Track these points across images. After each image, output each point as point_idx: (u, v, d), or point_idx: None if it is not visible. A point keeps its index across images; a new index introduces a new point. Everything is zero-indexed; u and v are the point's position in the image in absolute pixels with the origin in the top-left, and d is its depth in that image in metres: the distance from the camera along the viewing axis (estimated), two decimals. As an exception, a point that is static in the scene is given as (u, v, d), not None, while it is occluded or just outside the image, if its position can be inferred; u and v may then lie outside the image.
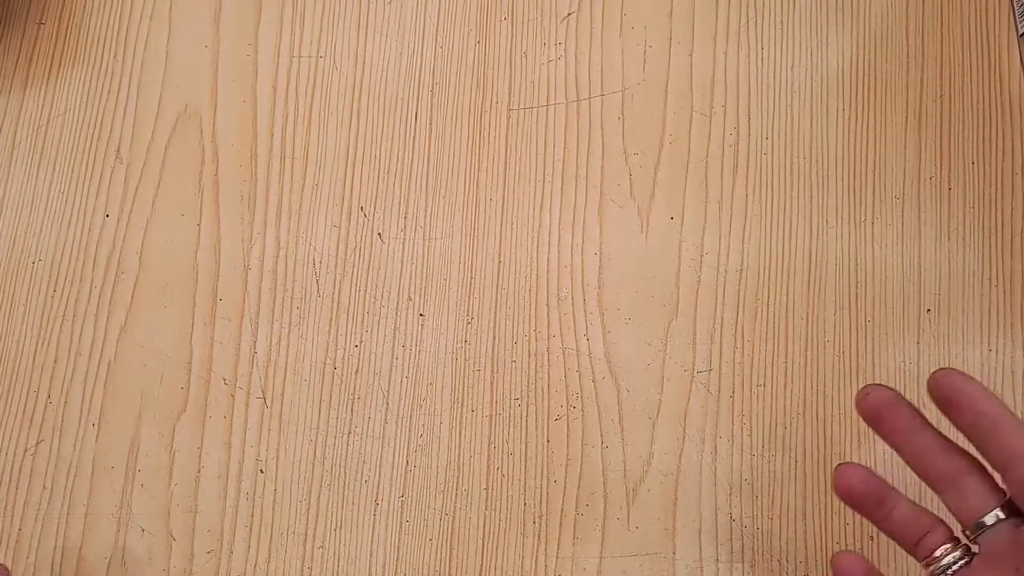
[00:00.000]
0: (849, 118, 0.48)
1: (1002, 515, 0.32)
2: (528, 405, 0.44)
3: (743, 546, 0.42)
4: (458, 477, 0.44)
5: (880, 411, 0.34)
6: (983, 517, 0.32)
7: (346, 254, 0.46)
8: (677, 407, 0.44)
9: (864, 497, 0.34)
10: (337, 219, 0.47)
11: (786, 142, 0.48)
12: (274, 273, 0.46)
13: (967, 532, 0.33)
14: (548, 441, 0.44)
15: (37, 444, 0.44)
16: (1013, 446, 0.31)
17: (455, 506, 0.43)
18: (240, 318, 0.45)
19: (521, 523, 0.43)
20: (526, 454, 0.44)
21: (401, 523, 0.43)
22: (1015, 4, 0.49)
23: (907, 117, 0.48)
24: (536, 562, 0.43)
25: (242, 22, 0.49)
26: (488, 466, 0.44)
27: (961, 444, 0.33)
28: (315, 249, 0.46)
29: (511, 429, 0.44)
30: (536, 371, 0.45)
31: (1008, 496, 0.32)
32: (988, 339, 0.45)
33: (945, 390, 0.33)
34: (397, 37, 0.49)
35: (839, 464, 0.35)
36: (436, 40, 0.49)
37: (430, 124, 0.48)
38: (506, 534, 0.43)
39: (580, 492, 0.43)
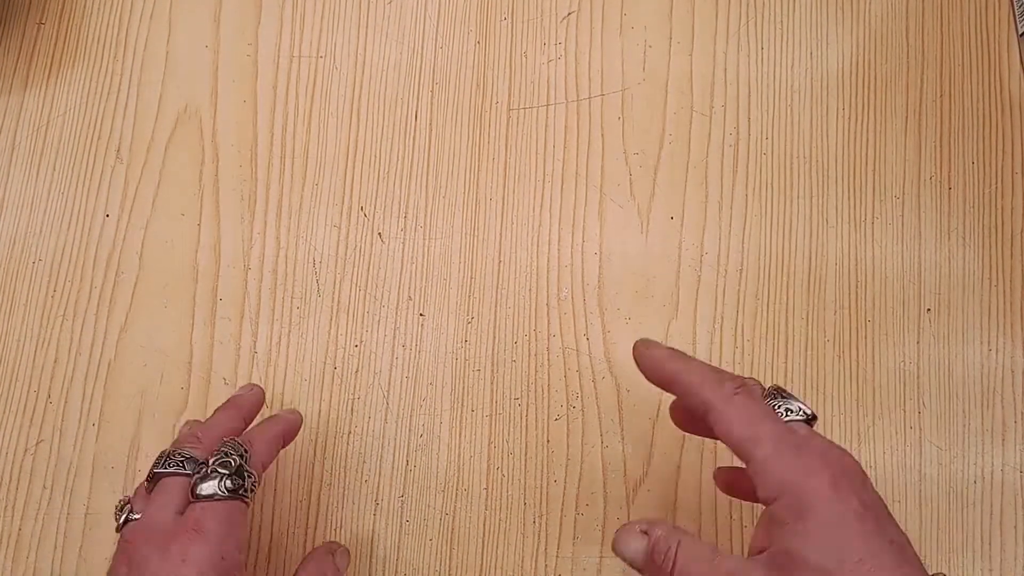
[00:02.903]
0: (849, 118, 0.48)
1: None
2: (528, 405, 0.44)
3: (743, 546, 0.42)
4: (458, 477, 0.44)
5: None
6: None
7: (346, 254, 0.46)
8: (677, 407, 0.44)
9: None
10: (337, 219, 0.47)
11: (786, 142, 0.48)
12: (274, 273, 0.46)
13: None
14: (548, 441, 0.44)
15: (37, 444, 0.44)
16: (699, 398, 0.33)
17: (455, 506, 0.43)
18: (240, 318, 0.45)
19: (521, 523, 0.43)
20: (526, 454, 0.44)
21: (401, 523, 0.43)
22: (1015, 4, 0.49)
23: (907, 117, 0.48)
24: (536, 562, 0.43)
25: (242, 22, 0.49)
26: (488, 466, 0.44)
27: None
28: (315, 249, 0.46)
29: (511, 429, 0.44)
30: (536, 371, 0.45)
31: None
32: (988, 339, 0.45)
33: (637, 359, 0.35)
34: (397, 37, 0.49)
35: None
36: (436, 40, 0.49)
37: (430, 124, 0.48)
38: (506, 534, 0.43)
39: (580, 492, 0.43)
